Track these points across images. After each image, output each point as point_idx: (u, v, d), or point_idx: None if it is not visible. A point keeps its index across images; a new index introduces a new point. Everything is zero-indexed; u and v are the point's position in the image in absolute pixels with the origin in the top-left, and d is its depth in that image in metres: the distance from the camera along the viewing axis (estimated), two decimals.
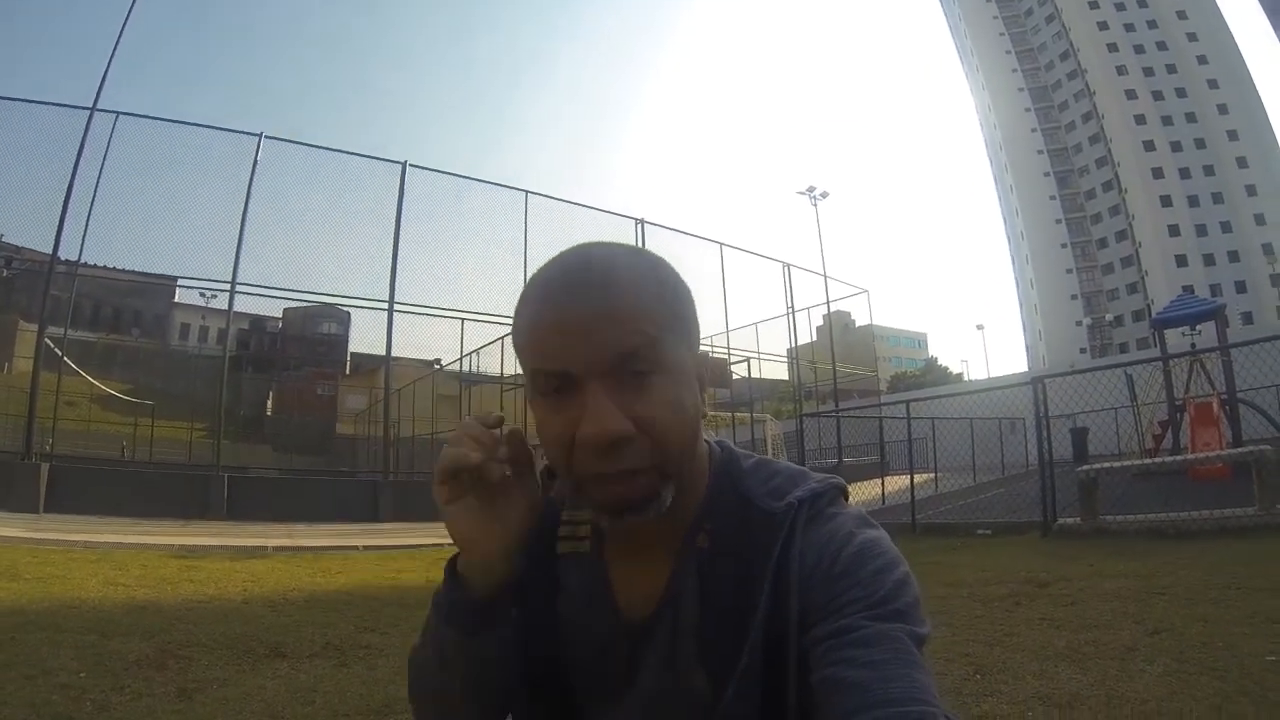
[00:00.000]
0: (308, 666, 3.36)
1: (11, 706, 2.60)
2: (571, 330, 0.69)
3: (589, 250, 0.75)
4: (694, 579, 0.79)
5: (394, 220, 15.23)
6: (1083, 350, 69.67)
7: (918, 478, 11.11)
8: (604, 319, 0.69)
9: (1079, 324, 73.45)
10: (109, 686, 2.92)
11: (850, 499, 0.84)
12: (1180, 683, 2.69)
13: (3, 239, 17.11)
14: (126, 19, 14.90)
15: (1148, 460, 10.09)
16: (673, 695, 0.78)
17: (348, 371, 47.69)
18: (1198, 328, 14.33)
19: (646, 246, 17.87)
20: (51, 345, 13.97)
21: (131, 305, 50.31)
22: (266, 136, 14.27)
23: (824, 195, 28.04)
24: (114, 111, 13.33)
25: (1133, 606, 3.97)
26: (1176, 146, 66.41)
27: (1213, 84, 66.58)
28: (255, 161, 13.98)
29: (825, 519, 0.77)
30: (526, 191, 17.17)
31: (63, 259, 12.84)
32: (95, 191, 12.96)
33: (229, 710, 2.71)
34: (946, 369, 73.34)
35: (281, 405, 48.51)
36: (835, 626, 0.67)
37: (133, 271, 15.45)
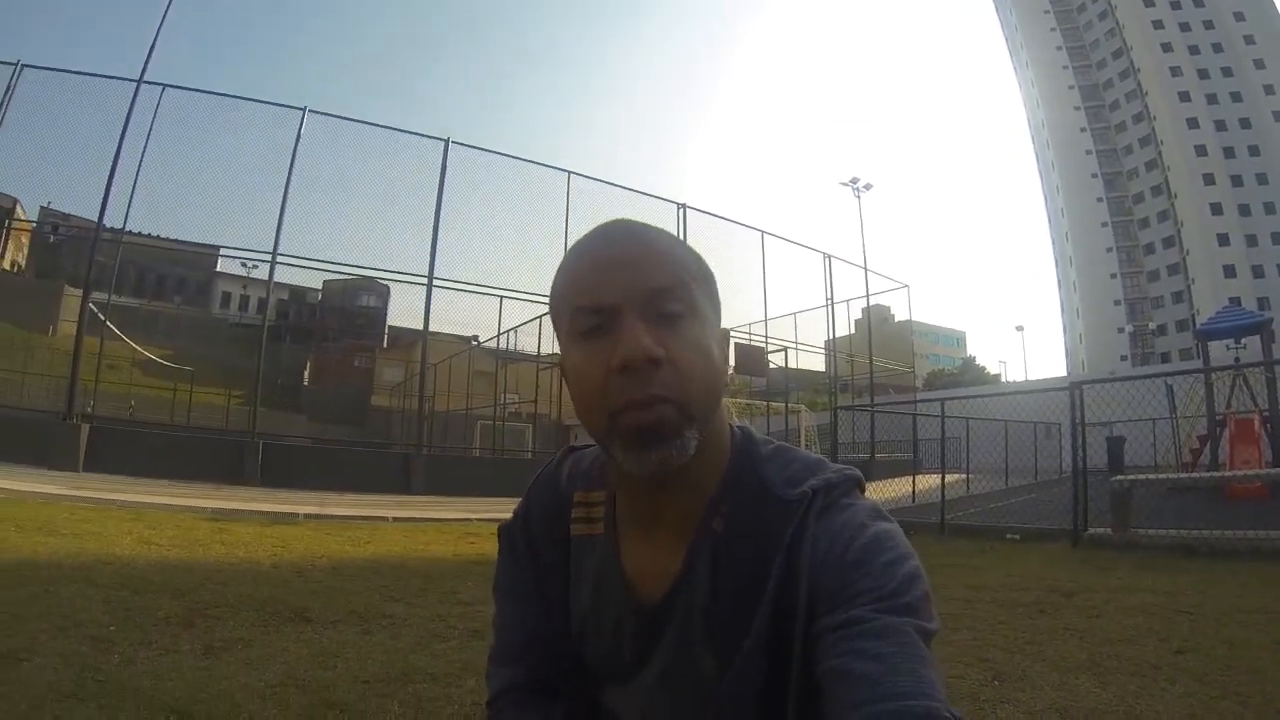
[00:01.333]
0: (331, 632, 3.42)
1: (43, 656, 2.68)
2: (614, 265, 0.75)
3: (622, 219, 0.82)
4: (707, 562, 0.79)
5: (435, 197, 15.36)
6: (1124, 357, 68.14)
7: (949, 478, 10.99)
8: (643, 257, 0.76)
9: (1121, 330, 71.77)
10: (137, 640, 3.00)
11: (866, 492, 0.84)
12: (1200, 705, 2.64)
13: (50, 206, 17.57)
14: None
15: (1184, 474, 9.89)
16: (682, 676, 0.80)
17: (385, 344, 48.17)
18: (1243, 341, 13.94)
19: (688, 231, 17.87)
20: (95, 310, 14.31)
21: (175, 273, 51.57)
22: (310, 111, 14.44)
23: (867, 187, 27.69)
24: (160, 84, 13.62)
25: (1158, 623, 3.90)
26: (1230, 153, 64.30)
27: (1269, 90, 64.30)
28: (298, 136, 14.17)
29: (839, 509, 0.77)
30: (569, 172, 17.19)
31: (108, 226, 13.15)
32: (140, 162, 13.28)
33: (250, 669, 2.77)
34: (984, 369, 72.37)
35: (318, 375, 49.29)
36: (845, 617, 0.67)
37: (176, 240, 15.79)
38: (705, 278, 0.81)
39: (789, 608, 0.73)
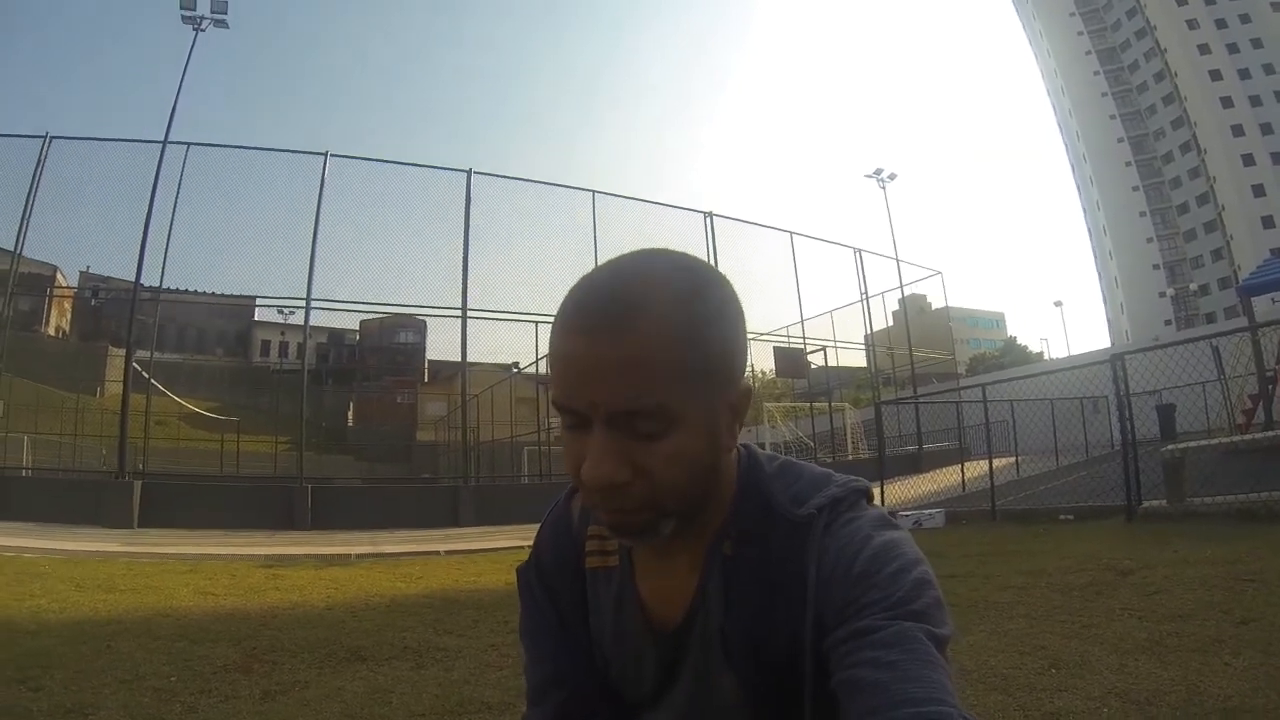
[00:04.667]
0: (386, 669, 3.47)
1: (108, 709, 2.77)
2: (586, 372, 0.68)
3: (621, 274, 0.72)
4: (719, 586, 0.80)
5: (462, 227, 15.51)
6: (1168, 322, 66.37)
7: (999, 462, 10.76)
8: (617, 369, 0.67)
9: (1162, 295, 69.96)
10: (198, 689, 3.08)
11: (874, 500, 0.84)
12: (1266, 678, 2.55)
13: (89, 270, 18.14)
14: (188, 59, 15.60)
15: (1237, 437, 9.59)
16: (704, 699, 0.81)
17: (426, 379, 48.75)
18: None
19: (715, 239, 17.76)
20: (139, 369, 14.71)
21: (214, 326, 52.79)
22: (332, 155, 14.75)
23: (892, 177, 27.31)
24: (184, 143, 14.07)
25: (1219, 595, 3.78)
26: (1256, 101, 62.41)
27: None
28: (322, 180, 14.46)
29: (844, 523, 0.77)
30: (593, 191, 17.28)
31: (146, 286, 13.54)
32: (172, 220, 13.73)
33: (308, 711, 2.83)
34: (1026, 348, 70.94)
35: (362, 415, 50.09)
36: (854, 628, 0.68)
37: (212, 294, 16.21)
38: (706, 354, 0.71)
39: (801, 625, 0.74)
